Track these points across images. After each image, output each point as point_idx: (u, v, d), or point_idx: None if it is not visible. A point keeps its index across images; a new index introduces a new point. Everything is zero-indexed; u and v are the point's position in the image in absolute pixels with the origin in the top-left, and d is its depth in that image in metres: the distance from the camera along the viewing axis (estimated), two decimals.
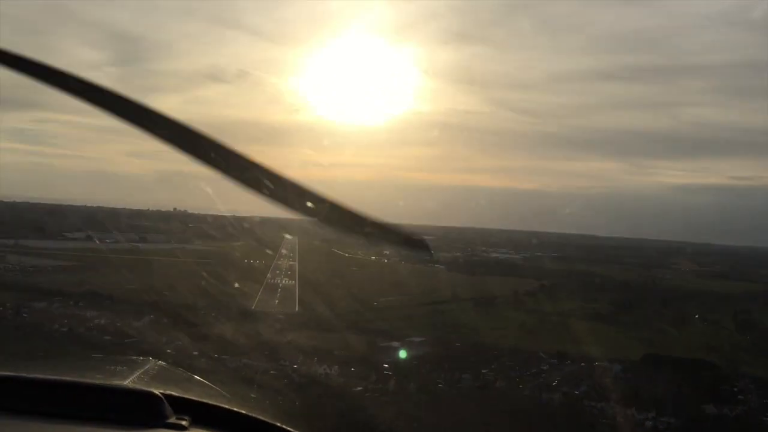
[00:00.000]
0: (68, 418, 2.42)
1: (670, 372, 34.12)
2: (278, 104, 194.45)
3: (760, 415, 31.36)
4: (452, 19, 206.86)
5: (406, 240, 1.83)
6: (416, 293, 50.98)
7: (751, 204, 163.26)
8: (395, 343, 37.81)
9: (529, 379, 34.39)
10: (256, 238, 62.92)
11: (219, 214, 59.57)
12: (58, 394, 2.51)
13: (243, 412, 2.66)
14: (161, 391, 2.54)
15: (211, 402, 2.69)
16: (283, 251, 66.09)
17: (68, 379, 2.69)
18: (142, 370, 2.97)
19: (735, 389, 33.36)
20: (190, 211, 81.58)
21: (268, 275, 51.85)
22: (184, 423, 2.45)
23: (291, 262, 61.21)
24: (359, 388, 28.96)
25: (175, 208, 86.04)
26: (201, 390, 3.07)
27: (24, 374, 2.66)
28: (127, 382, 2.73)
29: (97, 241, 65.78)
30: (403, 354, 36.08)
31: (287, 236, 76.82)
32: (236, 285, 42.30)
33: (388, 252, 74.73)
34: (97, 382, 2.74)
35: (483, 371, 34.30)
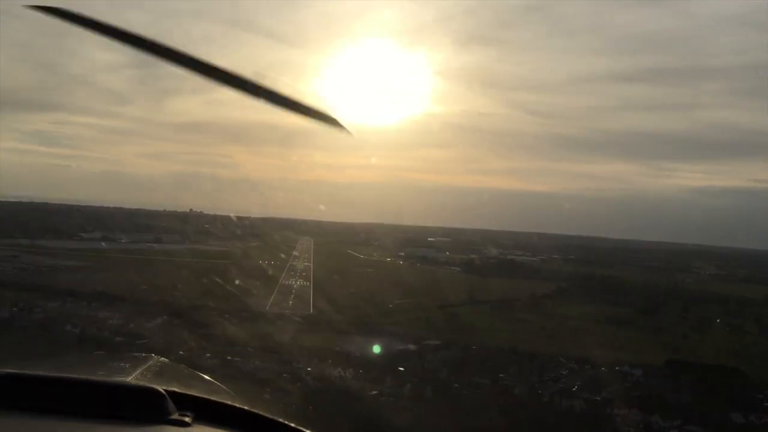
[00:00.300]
0: (71, 415, 2.42)
1: (694, 378, 33.35)
2: None
3: None
4: (466, 21, 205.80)
5: (325, 117, 2.34)
6: (432, 296, 50.32)
7: None
8: (411, 346, 37.38)
9: (548, 384, 33.65)
10: (271, 239, 63.16)
11: (235, 215, 59.92)
12: (62, 391, 2.50)
13: (246, 408, 2.65)
14: (164, 387, 2.53)
15: (214, 398, 2.69)
16: (297, 253, 66.20)
17: (71, 376, 2.69)
18: (144, 367, 2.97)
19: (761, 396, 32.47)
20: (206, 212, 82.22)
21: (282, 275, 51.74)
22: (187, 419, 2.44)
23: (306, 263, 61.18)
24: (374, 392, 28.62)
25: (191, 209, 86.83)
26: (204, 386, 3.07)
27: (27, 371, 2.65)
28: (130, 379, 2.73)
29: (114, 242, 66.49)
30: (418, 358, 35.56)
31: (301, 238, 77.09)
32: (250, 284, 42.40)
33: (403, 254, 74.51)
34: (100, 378, 2.75)
35: (501, 375, 33.66)
